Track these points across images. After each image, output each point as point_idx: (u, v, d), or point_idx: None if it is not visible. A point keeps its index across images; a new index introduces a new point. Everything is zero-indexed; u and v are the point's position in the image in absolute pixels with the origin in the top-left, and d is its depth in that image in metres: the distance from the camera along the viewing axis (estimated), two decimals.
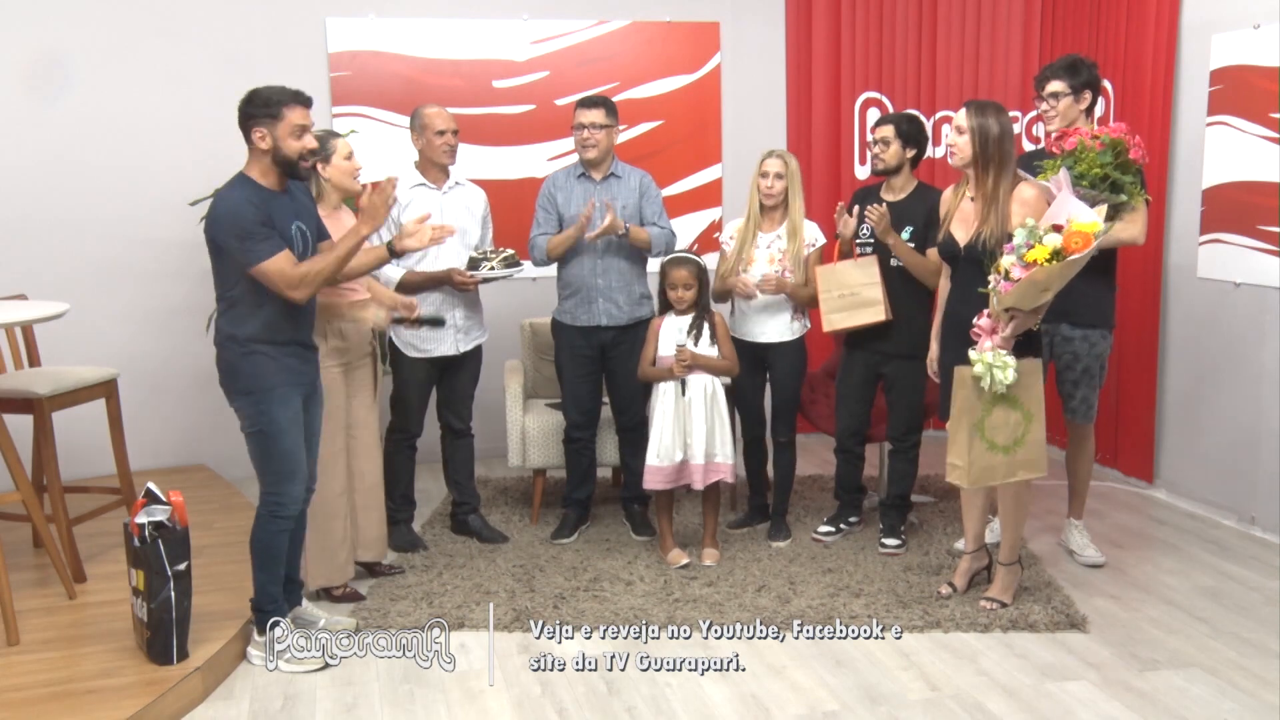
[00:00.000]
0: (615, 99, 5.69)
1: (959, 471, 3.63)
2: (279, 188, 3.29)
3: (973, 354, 3.56)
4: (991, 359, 3.50)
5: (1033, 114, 5.63)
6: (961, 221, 3.70)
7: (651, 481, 4.17)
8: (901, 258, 4.14)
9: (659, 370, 4.16)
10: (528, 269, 4.48)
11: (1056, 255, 3.34)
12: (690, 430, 4.13)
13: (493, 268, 4.20)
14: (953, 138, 3.66)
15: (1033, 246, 3.38)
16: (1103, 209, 3.46)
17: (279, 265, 3.17)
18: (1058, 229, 3.39)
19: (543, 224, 4.41)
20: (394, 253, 3.56)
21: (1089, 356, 4.14)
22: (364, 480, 3.98)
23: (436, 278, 4.24)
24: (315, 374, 3.48)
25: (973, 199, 3.67)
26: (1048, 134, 4.14)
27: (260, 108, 3.20)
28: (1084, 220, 3.38)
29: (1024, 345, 3.58)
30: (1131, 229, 3.90)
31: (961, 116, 3.61)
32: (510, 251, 4.24)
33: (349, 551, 3.94)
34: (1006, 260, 3.45)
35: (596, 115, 4.33)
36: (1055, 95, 4.07)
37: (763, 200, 4.33)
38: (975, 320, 3.59)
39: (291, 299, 3.22)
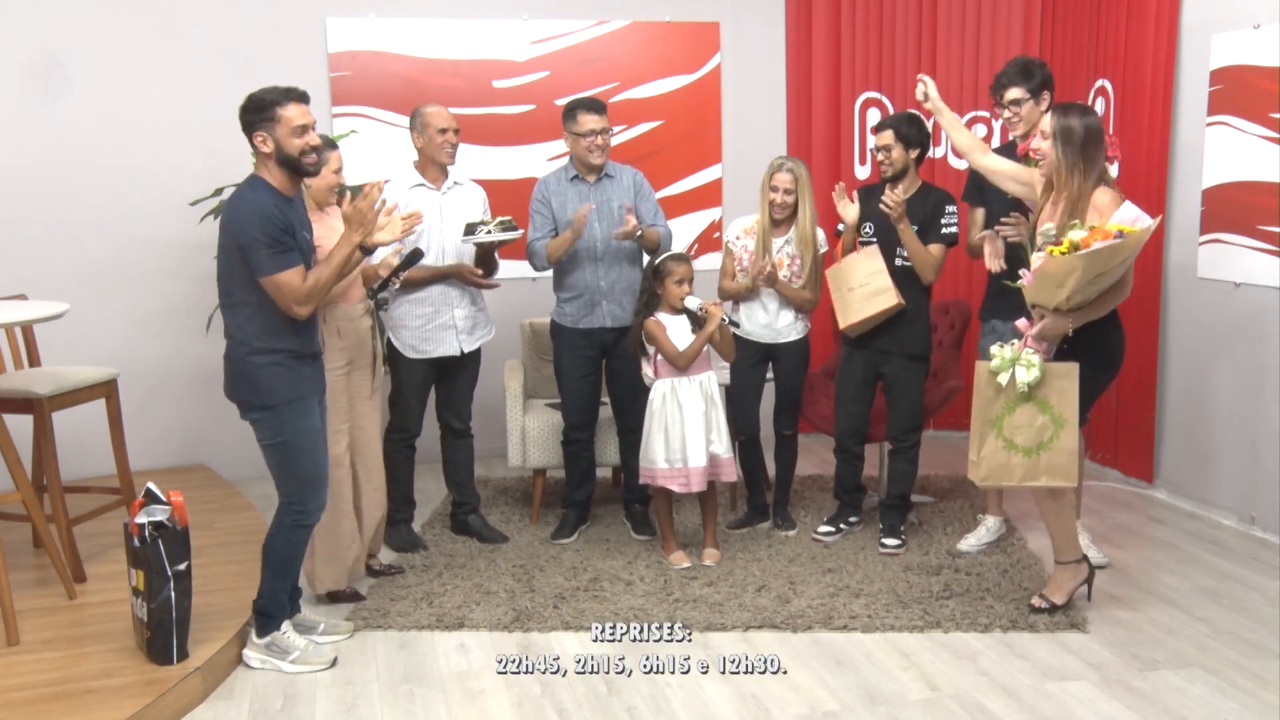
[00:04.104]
0: (615, 99, 5.75)
1: (973, 467, 3.61)
2: (289, 193, 3.27)
3: (994, 349, 3.55)
4: (1010, 354, 3.48)
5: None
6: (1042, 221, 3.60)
7: (697, 482, 4.12)
8: (907, 246, 4.14)
9: (699, 341, 4.08)
10: (528, 270, 4.48)
11: (1074, 249, 3.28)
12: (717, 424, 4.15)
13: (489, 231, 4.17)
14: (1038, 143, 3.55)
15: (1059, 242, 3.35)
16: (1150, 225, 3.38)
17: (291, 279, 3.15)
18: (1093, 229, 3.34)
19: (539, 228, 4.38)
20: (366, 250, 3.41)
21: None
22: (371, 481, 3.99)
23: (442, 273, 4.24)
24: (323, 382, 3.47)
25: (1053, 204, 3.55)
26: (1014, 139, 4.14)
27: (255, 113, 3.18)
28: (1124, 224, 3.32)
29: (1079, 352, 3.50)
30: None
31: (1046, 121, 3.51)
32: (508, 218, 4.22)
33: (357, 552, 3.96)
34: (1035, 256, 3.44)
35: (604, 120, 4.31)
36: (1016, 102, 4.08)
37: (774, 214, 4.35)
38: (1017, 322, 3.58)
39: (295, 314, 3.18)
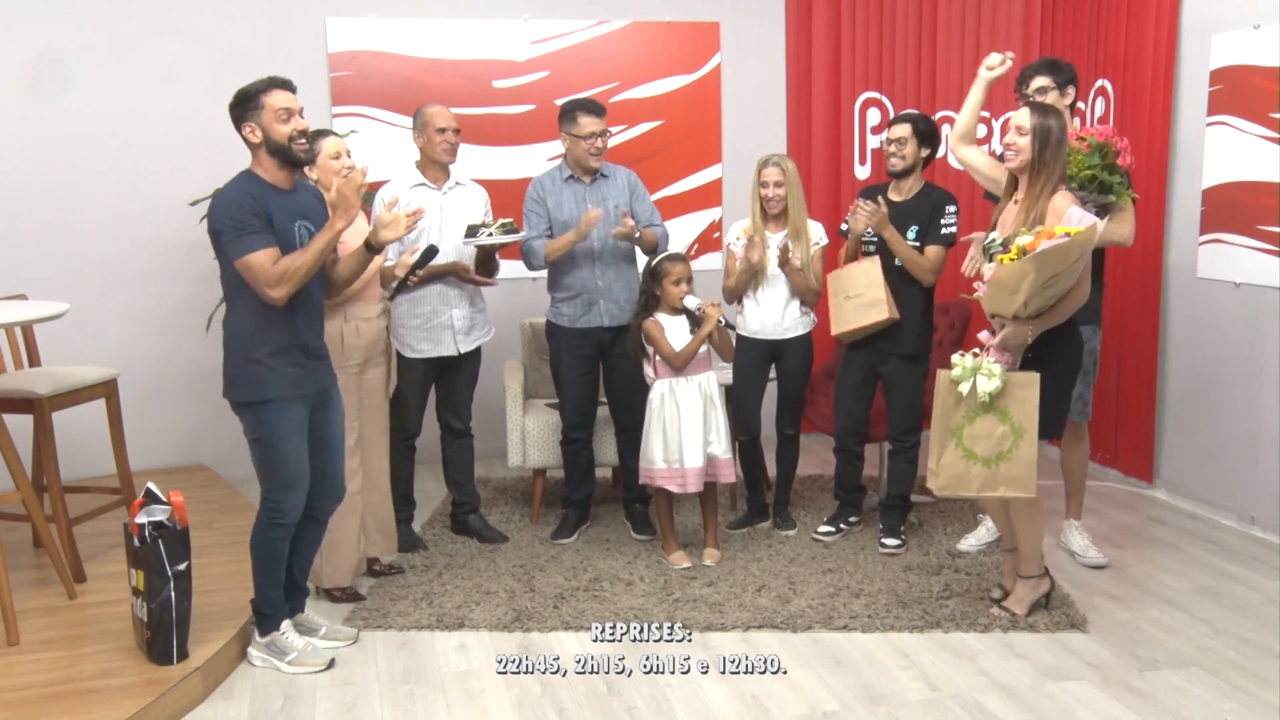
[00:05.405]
0: (615, 99, 5.75)
1: (932, 475, 3.61)
2: (286, 185, 3.25)
3: (955, 358, 3.54)
4: (972, 364, 3.47)
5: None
6: (1002, 226, 3.60)
7: (693, 483, 4.11)
8: (897, 253, 4.15)
9: (695, 341, 4.08)
10: (528, 270, 4.48)
11: (1023, 254, 3.29)
12: (716, 425, 4.15)
13: (490, 234, 4.18)
14: (1012, 137, 3.54)
15: (1008, 249, 3.36)
16: (1095, 224, 3.38)
17: (261, 261, 3.12)
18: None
19: (534, 228, 4.38)
20: (371, 247, 3.40)
21: (1083, 352, 4.12)
22: (373, 479, 3.99)
23: (439, 271, 4.23)
24: (324, 382, 3.41)
25: (1017, 202, 3.55)
26: None
27: (241, 105, 3.18)
28: (1069, 226, 3.34)
29: (1042, 360, 3.49)
30: (1122, 229, 3.90)
31: (1024, 116, 3.50)
32: (509, 220, 4.23)
33: (362, 550, 3.97)
34: (987, 266, 3.45)
35: (603, 123, 4.33)
36: (1042, 90, 4.06)
37: (765, 208, 4.35)
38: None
39: (269, 298, 3.14)
